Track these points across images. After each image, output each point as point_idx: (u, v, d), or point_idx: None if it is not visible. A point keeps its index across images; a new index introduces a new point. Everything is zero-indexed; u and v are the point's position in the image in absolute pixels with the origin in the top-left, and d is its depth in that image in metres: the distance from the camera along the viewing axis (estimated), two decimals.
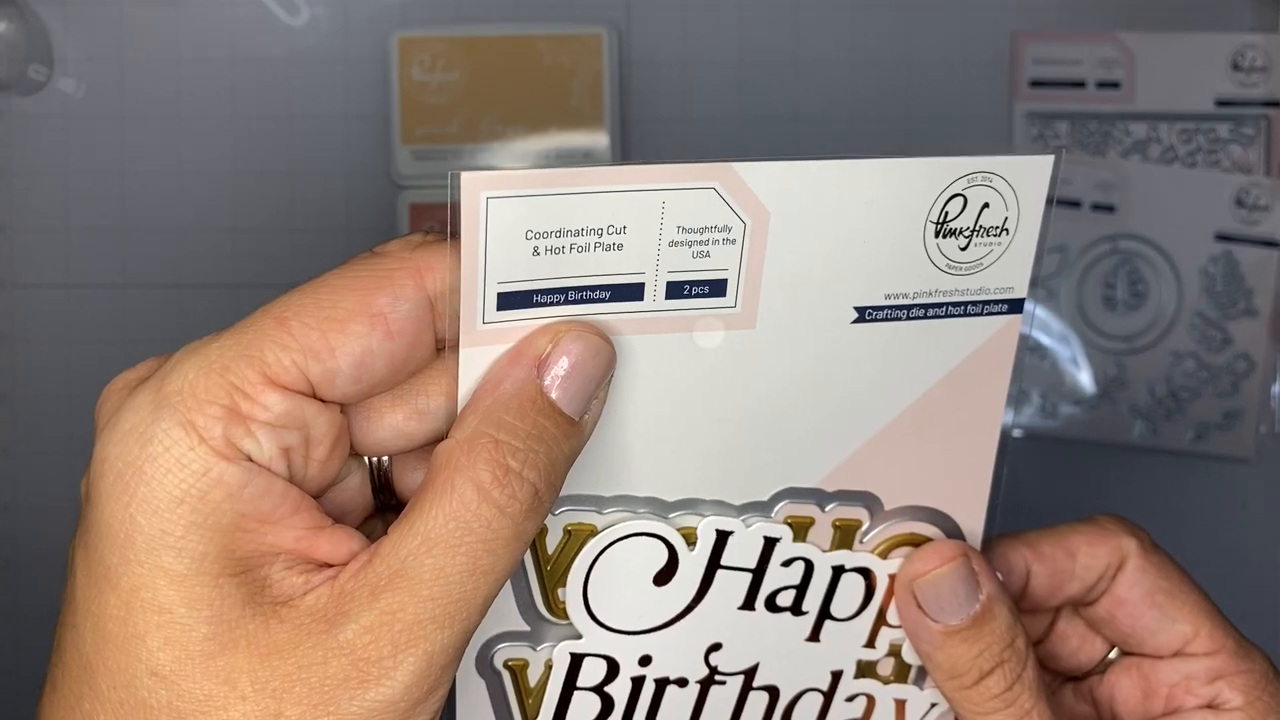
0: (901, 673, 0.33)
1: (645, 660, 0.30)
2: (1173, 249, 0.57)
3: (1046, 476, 0.59)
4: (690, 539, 0.30)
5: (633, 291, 0.26)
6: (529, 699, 0.31)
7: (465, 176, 0.24)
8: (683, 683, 0.31)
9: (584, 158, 0.55)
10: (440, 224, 0.24)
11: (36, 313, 0.57)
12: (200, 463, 0.24)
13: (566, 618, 0.30)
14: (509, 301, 0.25)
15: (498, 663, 0.30)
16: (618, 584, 0.29)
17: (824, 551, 0.31)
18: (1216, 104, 0.56)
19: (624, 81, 0.57)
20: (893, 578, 0.32)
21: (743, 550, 0.30)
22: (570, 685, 0.31)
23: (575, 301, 0.26)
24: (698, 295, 0.27)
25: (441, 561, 0.24)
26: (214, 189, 0.57)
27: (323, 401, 0.25)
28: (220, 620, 0.24)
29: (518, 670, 0.30)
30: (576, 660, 0.30)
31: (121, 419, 0.24)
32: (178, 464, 0.23)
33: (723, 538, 0.30)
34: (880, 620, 0.32)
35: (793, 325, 0.28)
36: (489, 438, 0.24)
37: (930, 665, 0.31)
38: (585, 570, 0.29)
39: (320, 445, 0.25)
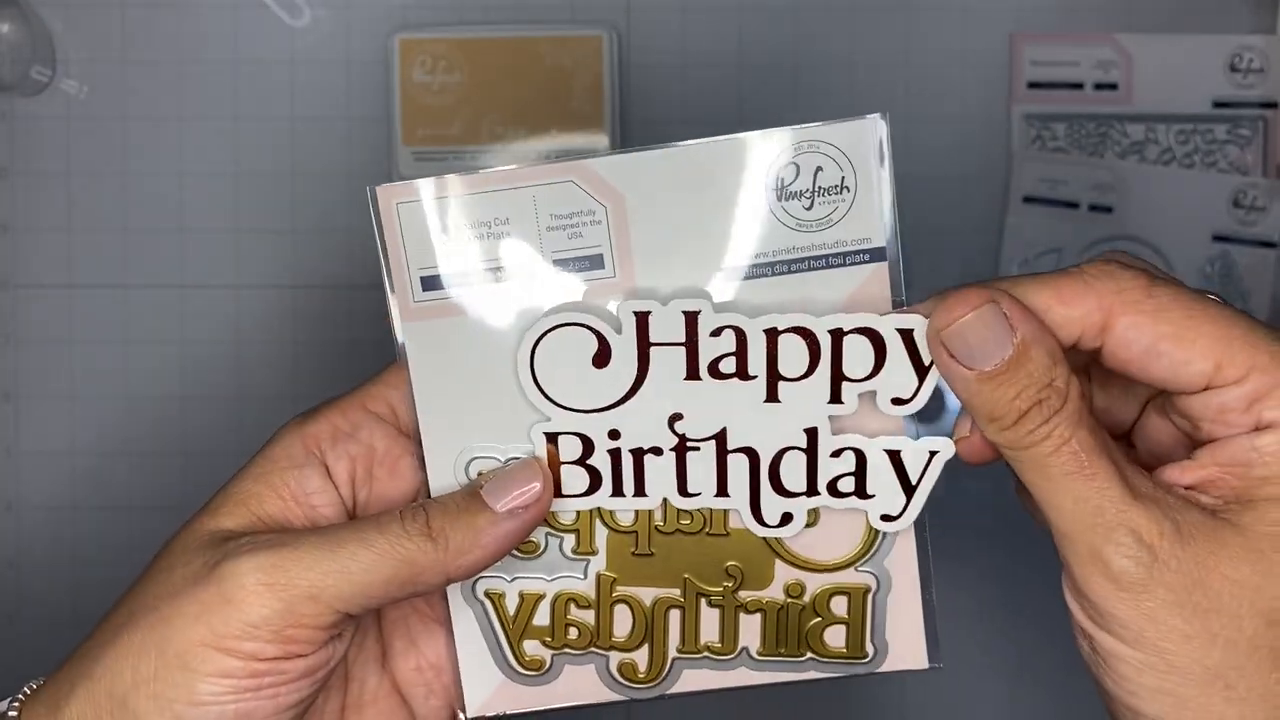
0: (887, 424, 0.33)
1: (614, 434, 0.33)
2: (1170, 250, 0.57)
3: None
4: (615, 325, 0.33)
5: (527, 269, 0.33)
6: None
7: (379, 190, 0.32)
8: (657, 451, 0.33)
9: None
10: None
11: (37, 313, 0.58)
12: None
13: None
14: (431, 284, 0.33)
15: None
16: (562, 370, 0.33)
17: (751, 318, 0.32)
18: (1213, 105, 0.57)
19: (624, 83, 0.57)
20: (834, 333, 0.32)
21: (666, 326, 0.33)
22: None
23: (481, 280, 0.33)
24: (579, 270, 0.33)
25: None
26: (215, 190, 0.58)
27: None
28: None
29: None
30: (552, 439, 0.33)
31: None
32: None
33: (643, 318, 0.32)
34: (839, 375, 0.32)
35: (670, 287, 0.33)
36: None
37: (970, 409, 0.30)
38: (529, 359, 0.33)
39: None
